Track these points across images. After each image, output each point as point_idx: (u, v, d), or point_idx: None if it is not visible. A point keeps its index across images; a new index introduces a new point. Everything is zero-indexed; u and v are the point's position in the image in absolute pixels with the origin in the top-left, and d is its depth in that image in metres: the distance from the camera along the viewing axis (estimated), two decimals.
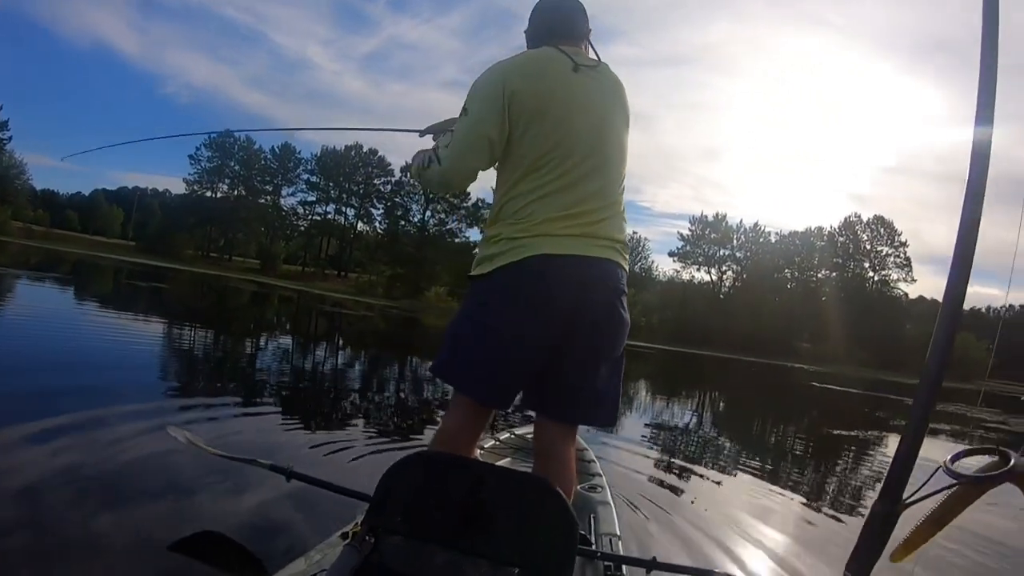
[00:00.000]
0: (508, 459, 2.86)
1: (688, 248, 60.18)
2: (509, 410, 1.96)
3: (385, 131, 2.61)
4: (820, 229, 60.53)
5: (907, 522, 1.08)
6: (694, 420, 9.37)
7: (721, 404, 13.63)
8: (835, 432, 9.84)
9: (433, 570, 1.43)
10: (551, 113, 1.61)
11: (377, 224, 62.21)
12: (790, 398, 16.67)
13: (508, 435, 3.07)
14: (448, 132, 1.70)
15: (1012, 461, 1.09)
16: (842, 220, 60.87)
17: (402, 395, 7.20)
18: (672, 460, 5.40)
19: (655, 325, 42.23)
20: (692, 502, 4.01)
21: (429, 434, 4.41)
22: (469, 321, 1.65)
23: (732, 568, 2.38)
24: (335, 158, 60.90)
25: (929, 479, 1.07)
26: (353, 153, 60.90)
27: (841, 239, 59.86)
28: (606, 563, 1.96)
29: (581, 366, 1.67)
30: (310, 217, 63.57)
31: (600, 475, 2.86)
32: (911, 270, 58.84)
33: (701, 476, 5.08)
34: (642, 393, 11.79)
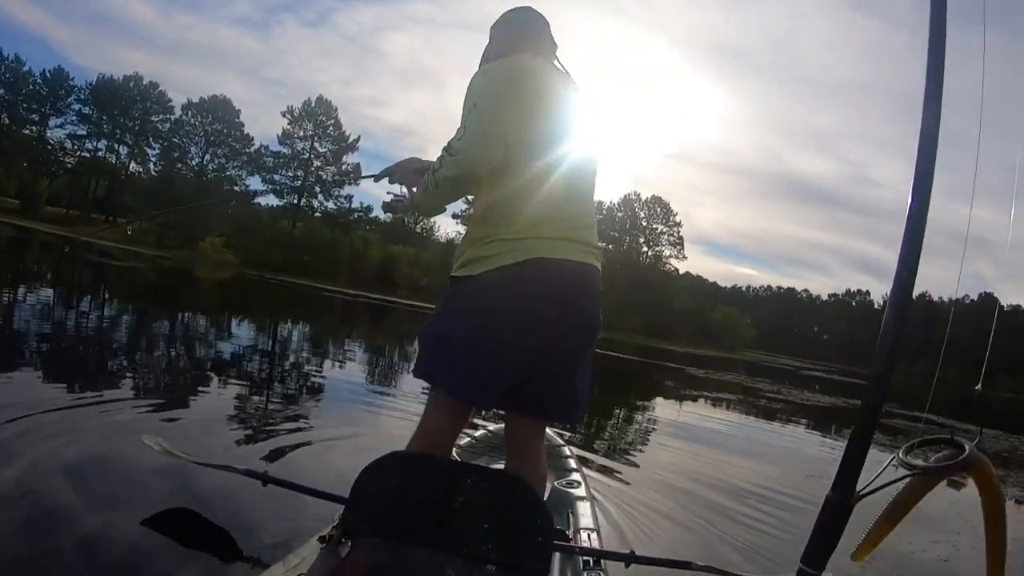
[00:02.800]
0: (484, 457, 2.87)
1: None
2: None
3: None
4: (601, 203, 61.66)
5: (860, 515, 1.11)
6: None
7: None
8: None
9: (410, 570, 1.44)
10: (545, 118, 1.64)
11: (152, 166, 55.42)
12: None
13: (483, 432, 3.08)
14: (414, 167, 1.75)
15: (967, 451, 1.12)
16: (622, 197, 64.95)
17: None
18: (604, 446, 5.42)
19: (435, 285, 40.65)
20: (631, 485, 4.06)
21: (318, 420, 4.36)
22: (458, 323, 1.64)
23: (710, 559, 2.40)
24: (112, 89, 53.71)
25: (883, 470, 1.10)
26: (132, 84, 54.39)
27: (620, 214, 64.05)
28: (584, 558, 1.98)
29: (564, 366, 1.70)
30: (79, 153, 56.02)
31: (578, 470, 2.88)
32: (682, 248, 64.65)
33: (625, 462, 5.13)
34: None
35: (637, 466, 4.73)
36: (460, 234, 57.06)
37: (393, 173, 1.97)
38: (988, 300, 71.75)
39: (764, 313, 72.28)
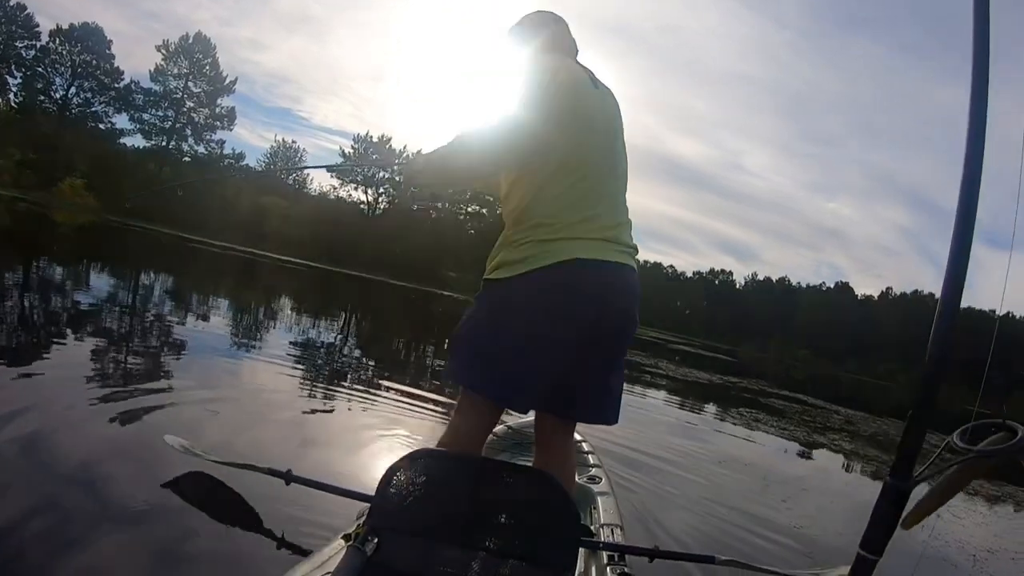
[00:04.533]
0: (507, 453, 2.85)
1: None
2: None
3: (357, 166, 2.54)
4: None
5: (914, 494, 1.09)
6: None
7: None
8: None
9: (437, 567, 1.42)
10: (579, 117, 1.63)
11: (12, 96, 48.16)
12: None
13: (505, 428, 3.05)
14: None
15: (1020, 435, 1.10)
16: None
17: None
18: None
19: (306, 240, 39.69)
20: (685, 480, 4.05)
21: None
22: (494, 326, 1.62)
23: (736, 554, 2.38)
24: None
25: (937, 455, 1.07)
26: None
27: (417, 155, 61.56)
28: (609, 553, 1.96)
29: (600, 367, 1.70)
30: None
31: (599, 466, 2.86)
32: None
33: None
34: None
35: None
36: (334, 188, 53.14)
37: (415, 163, 1.97)
38: (843, 288, 77.97)
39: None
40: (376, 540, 1.46)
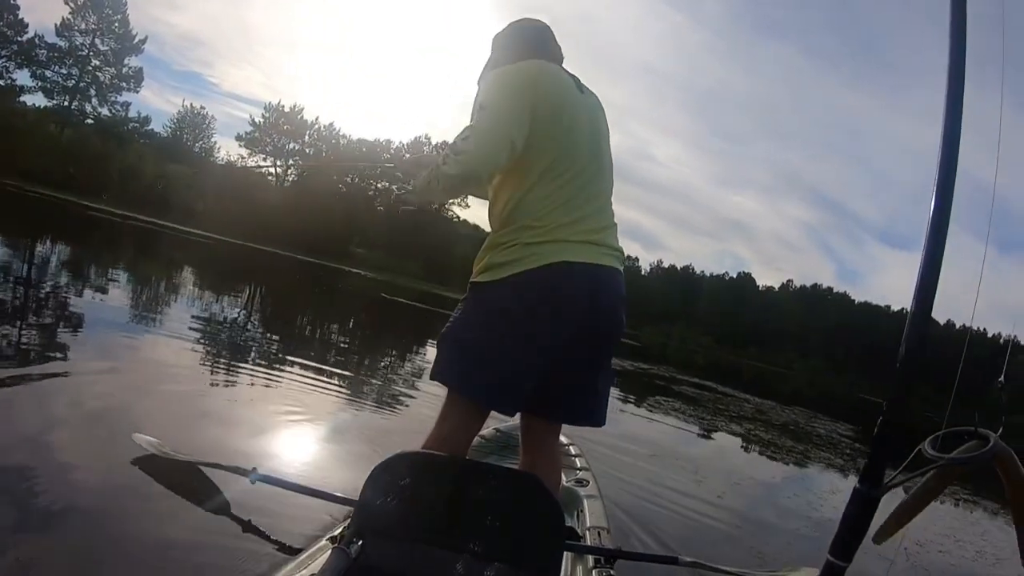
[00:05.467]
0: (494, 456, 2.86)
1: (258, 135, 54.03)
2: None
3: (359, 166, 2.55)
4: (389, 142, 58.17)
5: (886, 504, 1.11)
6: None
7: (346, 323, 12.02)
8: None
9: (421, 569, 1.43)
10: (563, 119, 1.64)
11: None
12: (413, 318, 15.80)
13: (494, 431, 3.06)
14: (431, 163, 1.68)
15: (991, 442, 1.11)
16: (412, 139, 59.37)
17: None
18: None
19: (211, 212, 36.94)
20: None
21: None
22: (480, 328, 1.62)
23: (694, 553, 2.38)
24: None
25: (907, 461, 1.09)
26: None
27: (407, 156, 58.73)
28: (595, 556, 1.97)
29: (587, 370, 1.71)
30: None
31: (587, 469, 2.87)
32: (466, 195, 60.44)
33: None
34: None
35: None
36: (242, 157, 51.06)
37: (404, 164, 2.00)
38: (746, 278, 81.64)
39: None
40: (360, 542, 1.47)
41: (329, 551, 1.49)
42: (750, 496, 4.81)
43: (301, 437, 3.43)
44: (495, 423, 3.03)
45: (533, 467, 1.75)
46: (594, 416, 1.76)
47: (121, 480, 2.31)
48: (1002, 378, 1.24)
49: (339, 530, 1.62)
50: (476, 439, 2.99)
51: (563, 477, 2.58)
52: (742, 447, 7.50)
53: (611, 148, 1.81)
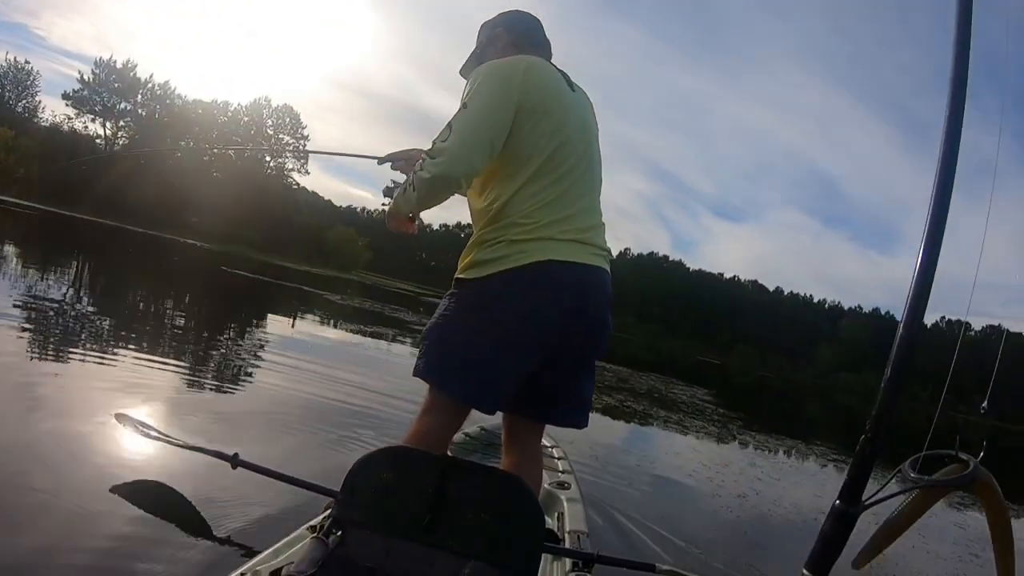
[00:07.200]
0: (478, 454, 2.86)
1: (86, 94, 51.55)
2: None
3: (345, 156, 2.56)
4: (227, 103, 58.39)
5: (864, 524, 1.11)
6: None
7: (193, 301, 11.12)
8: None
9: (399, 564, 1.43)
10: (553, 117, 1.62)
11: None
12: (262, 295, 14.90)
13: (478, 429, 3.06)
14: (419, 158, 1.64)
15: (971, 467, 1.12)
16: (252, 101, 59.79)
17: None
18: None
19: (33, 178, 34.87)
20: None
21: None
22: (465, 326, 1.62)
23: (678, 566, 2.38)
24: None
25: (888, 482, 1.09)
26: None
27: (246, 119, 59.06)
28: (573, 560, 1.97)
29: (571, 370, 1.71)
30: None
31: (570, 472, 2.87)
32: (307, 162, 61.26)
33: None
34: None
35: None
36: (69, 118, 48.66)
37: (397, 160, 1.97)
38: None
39: (375, 236, 70.79)
40: (340, 533, 1.46)
41: (307, 540, 1.49)
42: (663, 481, 4.76)
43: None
44: (481, 421, 3.03)
45: (515, 467, 1.75)
46: (576, 417, 1.76)
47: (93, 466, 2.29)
48: (985, 404, 1.25)
49: (318, 520, 1.61)
50: (461, 437, 3.01)
51: (545, 478, 2.58)
52: (624, 422, 7.35)
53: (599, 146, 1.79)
